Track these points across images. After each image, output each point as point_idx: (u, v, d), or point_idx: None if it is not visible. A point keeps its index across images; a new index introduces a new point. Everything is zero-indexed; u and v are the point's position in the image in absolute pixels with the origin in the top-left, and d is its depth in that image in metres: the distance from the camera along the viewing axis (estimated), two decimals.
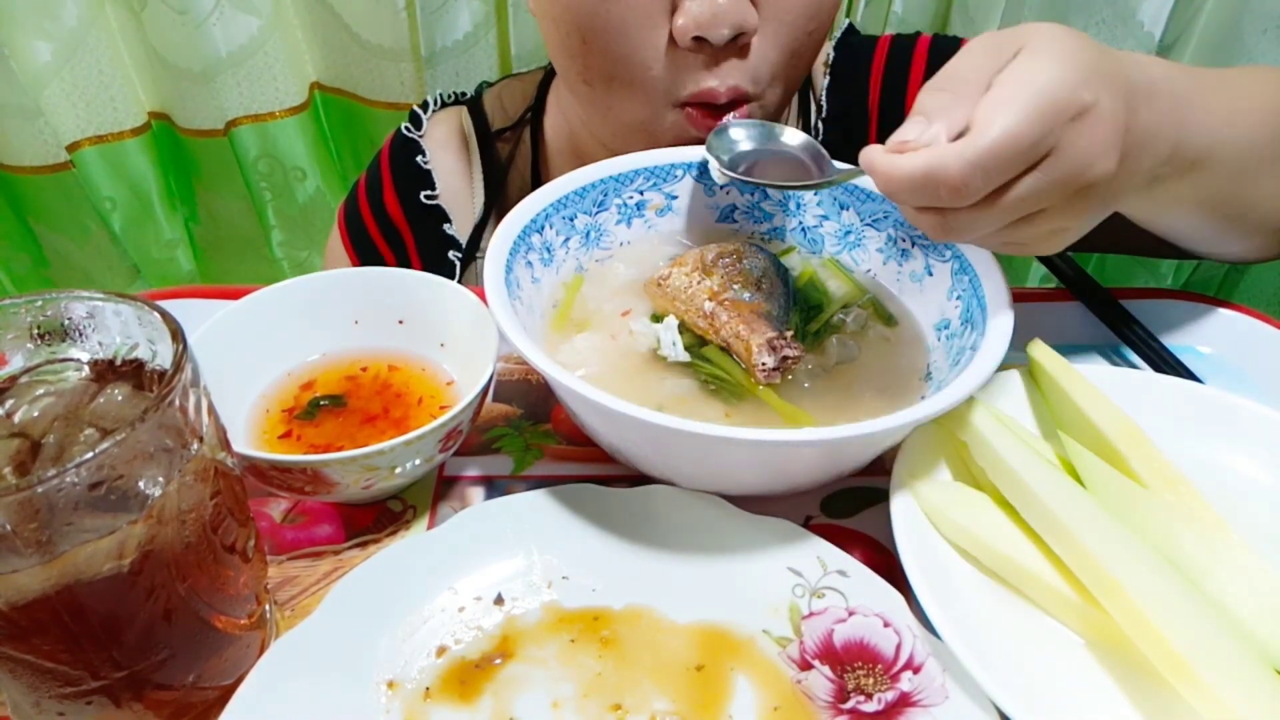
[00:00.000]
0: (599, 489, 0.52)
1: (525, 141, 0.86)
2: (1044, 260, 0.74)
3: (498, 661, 0.45)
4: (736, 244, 0.61)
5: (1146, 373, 0.61)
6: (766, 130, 0.60)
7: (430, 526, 0.54)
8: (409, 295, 0.60)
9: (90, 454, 0.32)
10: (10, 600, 0.34)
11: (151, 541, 0.36)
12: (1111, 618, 0.43)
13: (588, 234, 0.62)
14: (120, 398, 0.39)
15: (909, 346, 0.57)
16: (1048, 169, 0.42)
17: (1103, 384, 0.54)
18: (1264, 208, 0.61)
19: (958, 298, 0.55)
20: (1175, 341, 0.67)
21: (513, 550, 0.50)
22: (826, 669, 0.45)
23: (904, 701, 0.43)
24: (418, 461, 0.51)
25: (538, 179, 0.86)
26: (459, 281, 0.84)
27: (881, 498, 0.51)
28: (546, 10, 0.66)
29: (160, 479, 0.36)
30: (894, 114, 0.80)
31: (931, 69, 0.78)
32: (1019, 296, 0.55)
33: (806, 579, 0.48)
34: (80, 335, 0.40)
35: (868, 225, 0.62)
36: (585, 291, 0.60)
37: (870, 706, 0.43)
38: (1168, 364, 0.64)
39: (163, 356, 0.40)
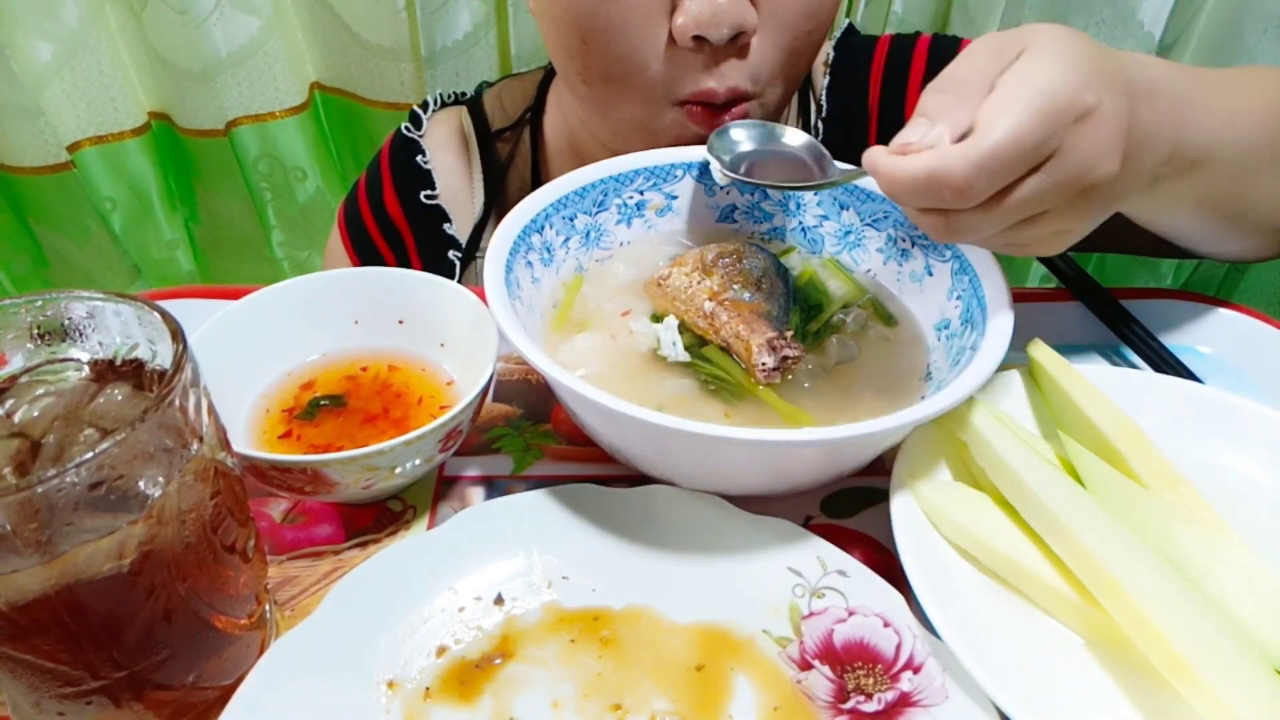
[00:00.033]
0: (599, 489, 0.52)
1: (525, 141, 0.86)
2: (1044, 260, 0.74)
3: (498, 661, 0.45)
4: (736, 244, 0.61)
5: (1146, 373, 0.61)
6: (767, 131, 0.60)
7: (430, 526, 0.54)
8: (409, 295, 0.60)
9: (90, 454, 0.32)
10: (10, 600, 0.34)
11: (151, 541, 0.36)
12: (1111, 618, 0.43)
13: (588, 234, 0.62)
14: (120, 398, 0.39)
15: (909, 346, 0.57)
16: (1051, 170, 0.42)
17: (1103, 384, 0.54)
18: (1264, 207, 0.61)
19: (958, 298, 0.55)
20: (1175, 341, 0.67)
21: (513, 550, 0.50)
22: (826, 669, 0.45)
23: (904, 701, 0.43)
24: (418, 461, 0.51)
25: (537, 179, 0.86)
26: (459, 281, 0.84)
27: (881, 498, 0.51)
28: (546, 10, 0.66)
29: (160, 479, 0.36)
30: (894, 114, 0.80)
31: (931, 69, 0.78)
32: (1019, 296, 0.55)
33: (806, 579, 0.48)
34: (80, 335, 0.40)
35: (868, 225, 0.62)
36: (585, 291, 0.60)
37: (870, 706, 0.43)
38: (1168, 364, 0.64)
39: (163, 356, 0.40)
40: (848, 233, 0.63)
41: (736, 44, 0.62)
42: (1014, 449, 0.48)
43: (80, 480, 0.33)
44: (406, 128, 0.87)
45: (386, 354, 0.61)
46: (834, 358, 0.56)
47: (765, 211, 0.65)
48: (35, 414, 0.38)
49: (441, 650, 0.46)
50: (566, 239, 0.60)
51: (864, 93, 0.81)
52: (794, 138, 0.59)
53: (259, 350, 0.58)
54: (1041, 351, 0.56)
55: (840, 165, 0.57)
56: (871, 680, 0.44)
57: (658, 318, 0.58)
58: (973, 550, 0.48)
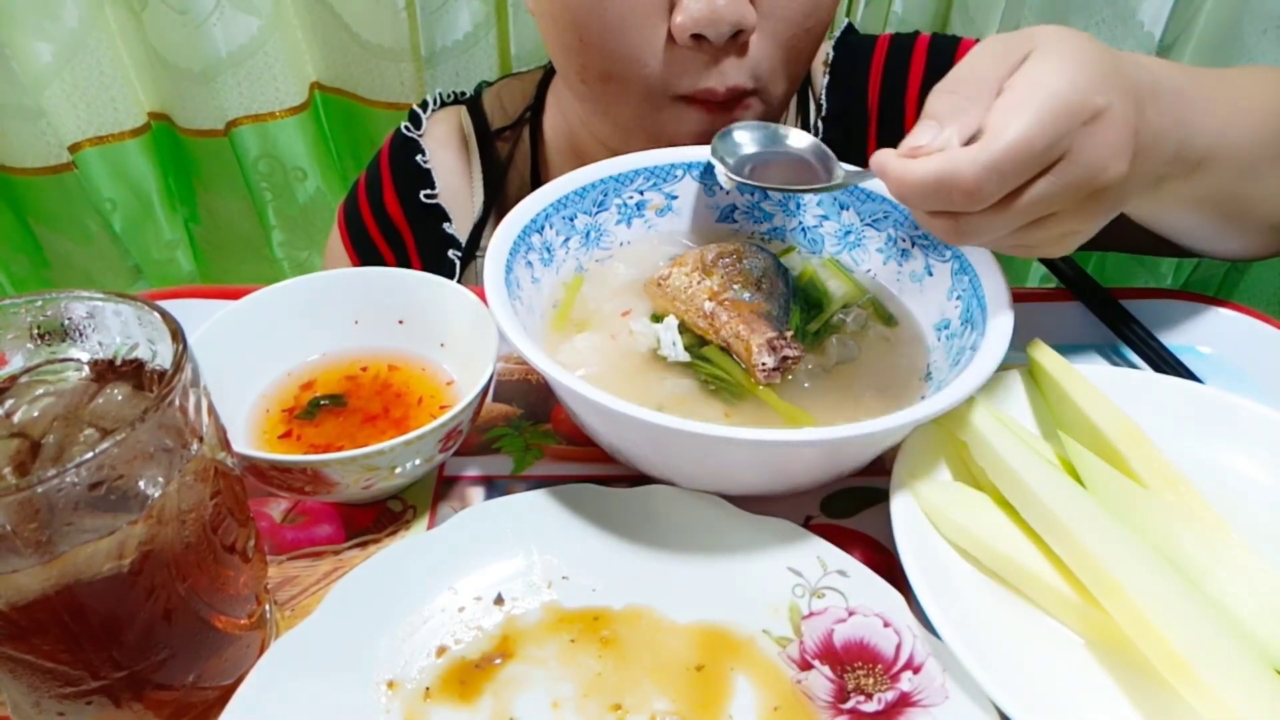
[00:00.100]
0: (599, 489, 0.52)
1: (525, 140, 0.86)
2: (1044, 260, 0.74)
3: (498, 661, 0.45)
4: (736, 244, 0.61)
5: (1146, 373, 0.61)
6: (771, 133, 0.60)
7: (430, 526, 0.54)
8: (409, 295, 0.60)
9: (90, 454, 0.32)
10: (10, 600, 0.34)
11: (151, 541, 0.36)
12: (1111, 618, 0.43)
13: (588, 234, 0.62)
14: (120, 398, 0.39)
15: (909, 346, 0.57)
16: (1061, 173, 0.42)
17: (1103, 384, 0.54)
18: (1265, 206, 0.61)
19: (958, 298, 0.55)
20: (1175, 341, 0.67)
21: (513, 550, 0.50)
22: (826, 669, 0.45)
23: (904, 701, 0.43)
24: (418, 461, 0.51)
25: (537, 178, 0.86)
26: (458, 280, 0.84)
27: (881, 498, 0.51)
28: (545, 9, 0.66)
29: (160, 479, 0.36)
30: (893, 113, 0.80)
31: (930, 68, 0.78)
32: (1019, 296, 0.55)
33: (806, 579, 0.48)
34: (80, 335, 0.40)
35: (868, 225, 0.62)
36: (585, 291, 0.60)
37: (870, 706, 0.43)
38: (1168, 364, 0.64)
39: (163, 356, 0.40)
40: (848, 233, 0.63)
41: (736, 42, 0.62)
42: (1014, 449, 0.48)
43: (80, 480, 0.33)
44: (406, 127, 0.87)
45: (386, 354, 0.61)
46: (834, 358, 0.56)
47: (765, 211, 0.65)
48: (35, 414, 0.38)
49: (441, 650, 0.46)
50: (566, 239, 0.60)
51: (863, 92, 0.81)
52: (798, 140, 0.59)
53: (259, 350, 0.58)
54: (1041, 351, 0.56)
55: (845, 167, 0.56)
56: (871, 680, 0.44)
57: (658, 318, 0.58)
58: (973, 550, 0.48)
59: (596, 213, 0.62)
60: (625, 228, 0.63)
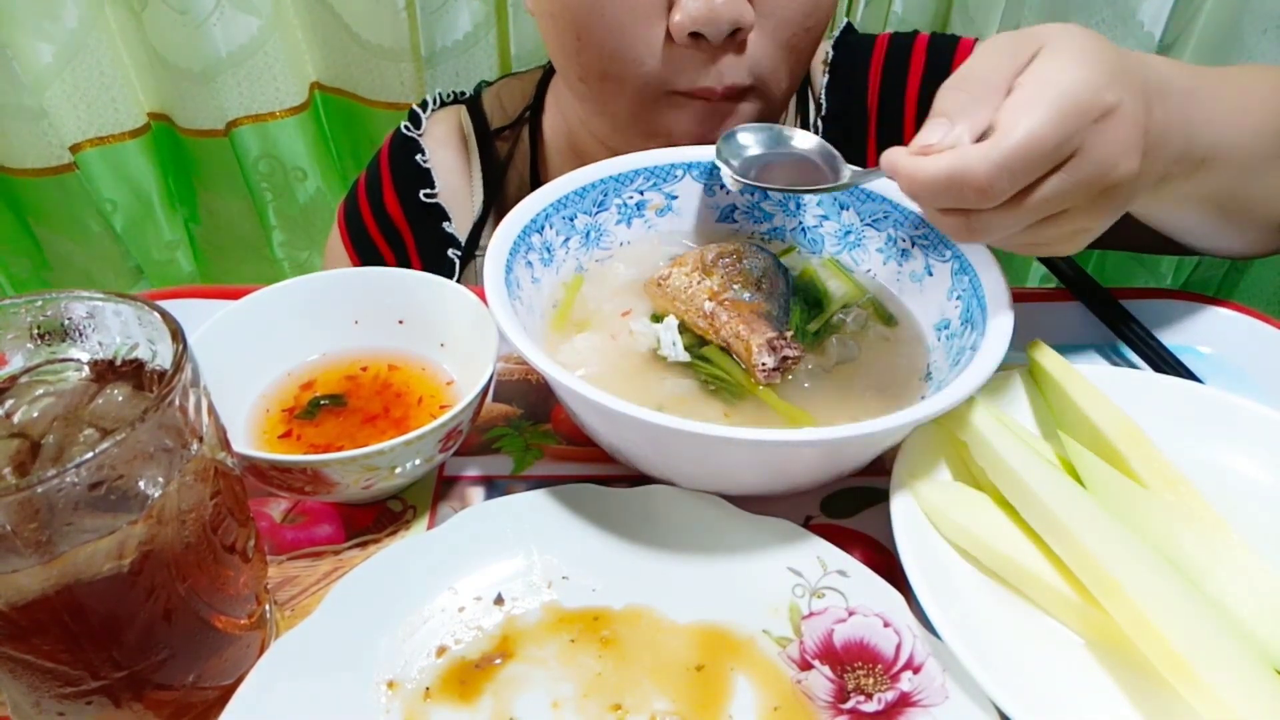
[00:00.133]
0: (599, 489, 0.52)
1: (524, 140, 0.86)
2: (1044, 260, 0.74)
3: (498, 661, 0.45)
4: (736, 244, 0.61)
5: (1146, 373, 0.61)
6: (775, 134, 0.60)
7: (430, 526, 0.54)
8: (409, 295, 0.60)
9: (90, 454, 0.32)
10: (10, 600, 0.34)
11: (151, 541, 0.36)
12: (1111, 618, 0.43)
13: (588, 234, 0.62)
14: (120, 398, 0.39)
15: (909, 346, 0.57)
16: (1073, 170, 0.43)
17: (1103, 384, 0.54)
18: (1266, 205, 0.61)
19: (958, 298, 0.55)
20: (1175, 341, 0.67)
21: (513, 550, 0.50)
22: (826, 669, 0.45)
23: (904, 701, 0.43)
24: (418, 461, 0.51)
25: (536, 177, 0.86)
26: (458, 279, 0.84)
27: (881, 498, 0.51)
28: (544, 8, 0.66)
29: (160, 479, 0.36)
30: (893, 112, 0.80)
31: (930, 67, 0.78)
32: (1019, 296, 0.55)
33: (806, 579, 0.48)
34: (80, 335, 0.40)
35: (868, 225, 0.62)
36: (585, 291, 0.60)
37: (870, 706, 0.43)
38: (1168, 364, 0.64)
39: (163, 356, 0.40)
40: (848, 233, 0.63)
41: (734, 40, 0.62)
42: (1014, 449, 0.48)
43: (80, 480, 0.33)
44: (406, 126, 0.87)
45: (386, 354, 0.61)
46: (834, 358, 0.56)
47: (765, 211, 0.65)
48: (35, 414, 0.38)
49: (441, 650, 0.46)
50: (566, 239, 0.60)
51: (863, 91, 0.81)
52: (804, 140, 0.59)
53: (259, 350, 0.58)
54: (1041, 352, 0.56)
55: (852, 167, 0.56)
56: (871, 680, 0.44)
57: (658, 318, 0.58)
58: (973, 550, 0.48)
59: (596, 213, 0.62)
60: (625, 228, 0.63)
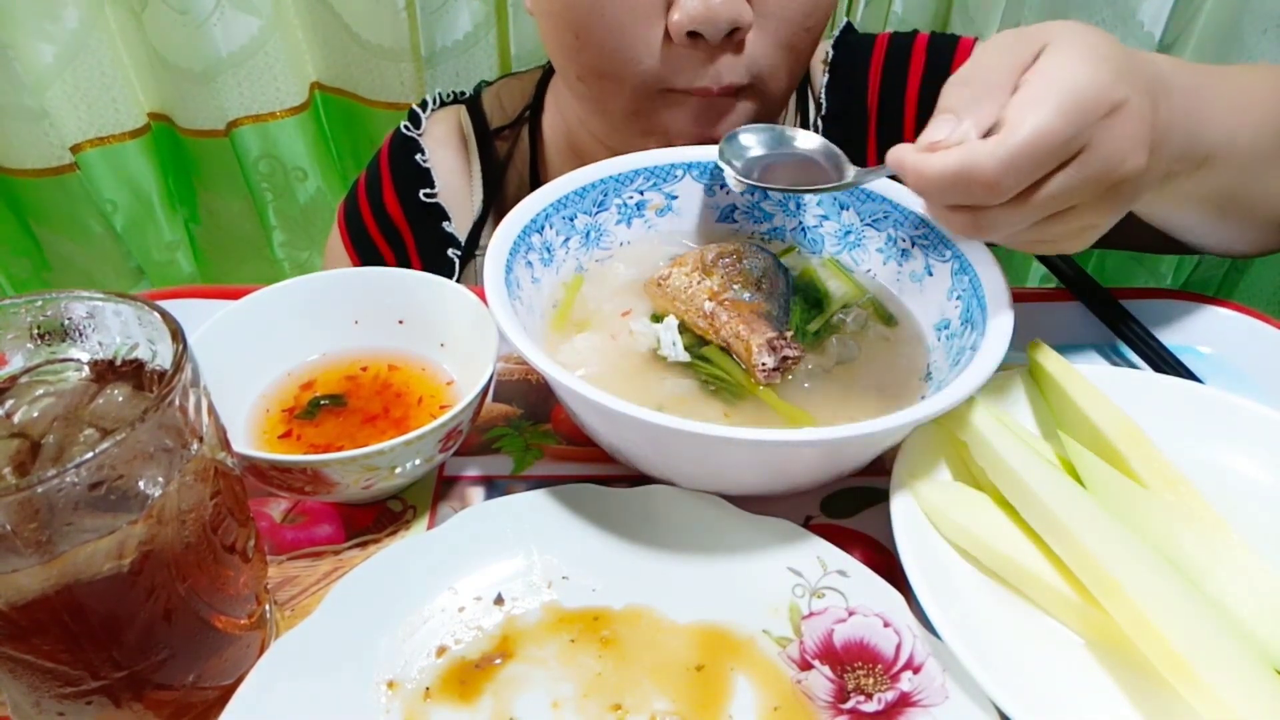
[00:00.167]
0: (599, 489, 0.52)
1: (524, 140, 0.86)
2: (1044, 260, 0.74)
3: (498, 661, 0.45)
4: (736, 244, 0.61)
5: (1146, 373, 0.61)
6: (778, 135, 0.60)
7: (430, 526, 0.54)
8: (409, 295, 0.60)
9: (90, 454, 0.32)
10: (10, 600, 0.34)
11: (151, 541, 0.36)
12: (1111, 618, 0.43)
13: (588, 234, 0.62)
14: (120, 398, 0.39)
15: (909, 346, 0.57)
16: (1080, 166, 0.43)
17: (1103, 384, 0.54)
18: (1267, 203, 0.61)
19: (958, 298, 0.55)
20: (1175, 341, 0.67)
21: (513, 550, 0.50)
22: (826, 669, 0.45)
23: (904, 701, 0.43)
24: (418, 461, 0.51)
25: (536, 177, 0.86)
26: (458, 279, 0.84)
27: (881, 498, 0.51)
28: (545, 8, 0.67)
29: (160, 479, 0.36)
30: (893, 112, 0.80)
31: (930, 67, 0.78)
32: (1019, 296, 0.55)
33: (806, 579, 0.48)
34: (80, 335, 0.40)
35: (868, 225, 0.62)
36: (585, 291, 0.60)
37: (870, 706, 0.43)
38: (1167, 364, 0.63)
39: (163, 356, 0.40)
40: (848, 233, 0.63)
41: (732, 40, 0.62)
42: (1014, 449, 0.48)
43: (80, 480, 0.33)
44: (406, 126, 0.87)
45: (386, 354, 0.61)
46: (834, 358, 0.56)
47: (765, 211, 0.65)
48: (35, 414, 0.38)
49: (441, 650, 0.46)
50: (566, 239, 0.60)
51: (863, 91, 0.81)
52: (807, 140, 0.58)
53: (259, 350, 0.58)
54: (1041, 352, 0.56)
55: (855, 166, 0.56)
56: (871, 680, 0.44)
57: (658, 318, 0.58)
58: (973, 550, 0.48)
59: (596, 213, 0.62)
60: (625, 228, 0.63)
